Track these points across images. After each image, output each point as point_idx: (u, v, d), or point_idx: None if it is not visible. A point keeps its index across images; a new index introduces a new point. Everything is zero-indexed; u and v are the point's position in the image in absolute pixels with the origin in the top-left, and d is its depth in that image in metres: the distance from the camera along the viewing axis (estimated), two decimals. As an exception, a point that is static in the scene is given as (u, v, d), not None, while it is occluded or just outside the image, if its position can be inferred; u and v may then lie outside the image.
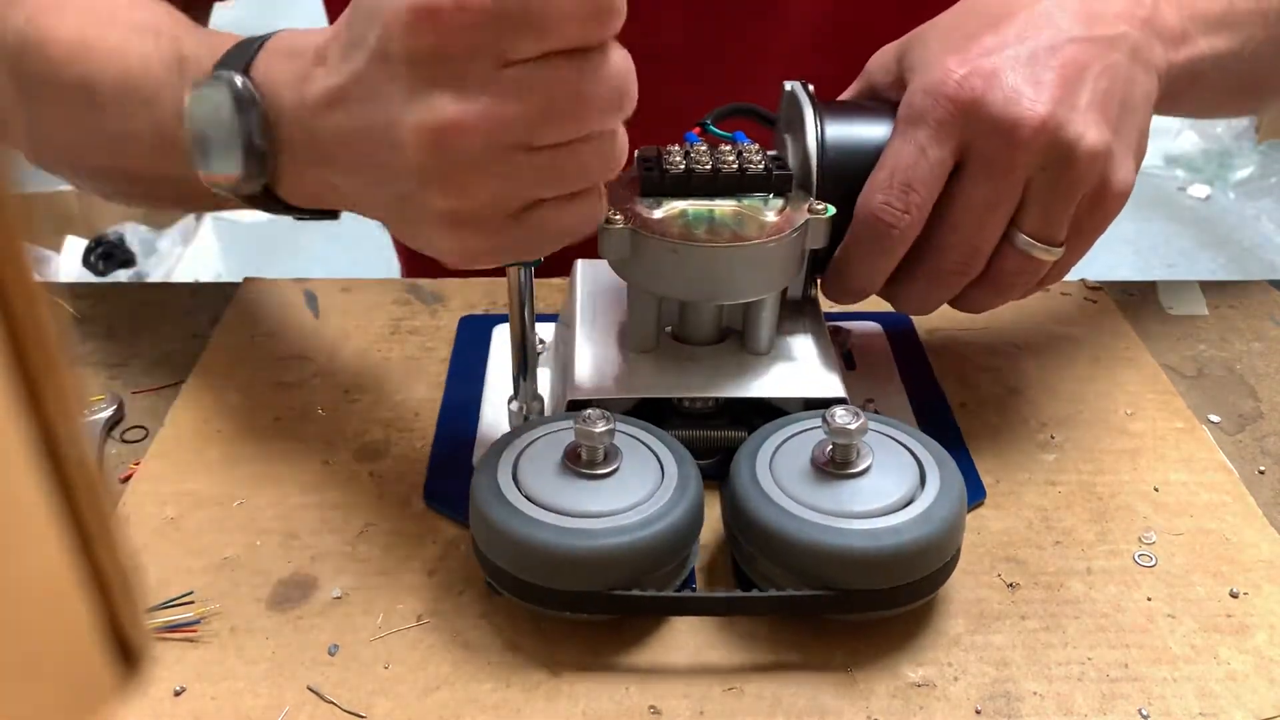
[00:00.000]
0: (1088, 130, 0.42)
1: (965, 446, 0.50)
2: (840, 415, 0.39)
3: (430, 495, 0.47)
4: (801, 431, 0.43)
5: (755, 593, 0.39)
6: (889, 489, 0.40)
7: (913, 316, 0.58)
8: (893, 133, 0.44)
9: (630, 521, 0.38)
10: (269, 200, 0.41)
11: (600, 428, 0.39)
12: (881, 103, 0.48)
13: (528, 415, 0.49)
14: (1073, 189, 0.43)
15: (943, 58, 0.43)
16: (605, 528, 0.38)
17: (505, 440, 0.42)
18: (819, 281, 0.49)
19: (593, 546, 0.37)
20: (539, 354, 0.54)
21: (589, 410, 0.40)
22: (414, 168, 0.35)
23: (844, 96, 0.51)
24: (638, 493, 0.40)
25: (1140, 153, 0.45)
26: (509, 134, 0.34)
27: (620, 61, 0.35)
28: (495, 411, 0.51)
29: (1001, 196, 0.43)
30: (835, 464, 0.40)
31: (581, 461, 0.40)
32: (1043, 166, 0.42)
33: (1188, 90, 0.49)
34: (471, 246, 0.37)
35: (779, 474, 0.41)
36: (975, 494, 0.47)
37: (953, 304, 0.48)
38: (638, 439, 0.42)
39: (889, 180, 0.44)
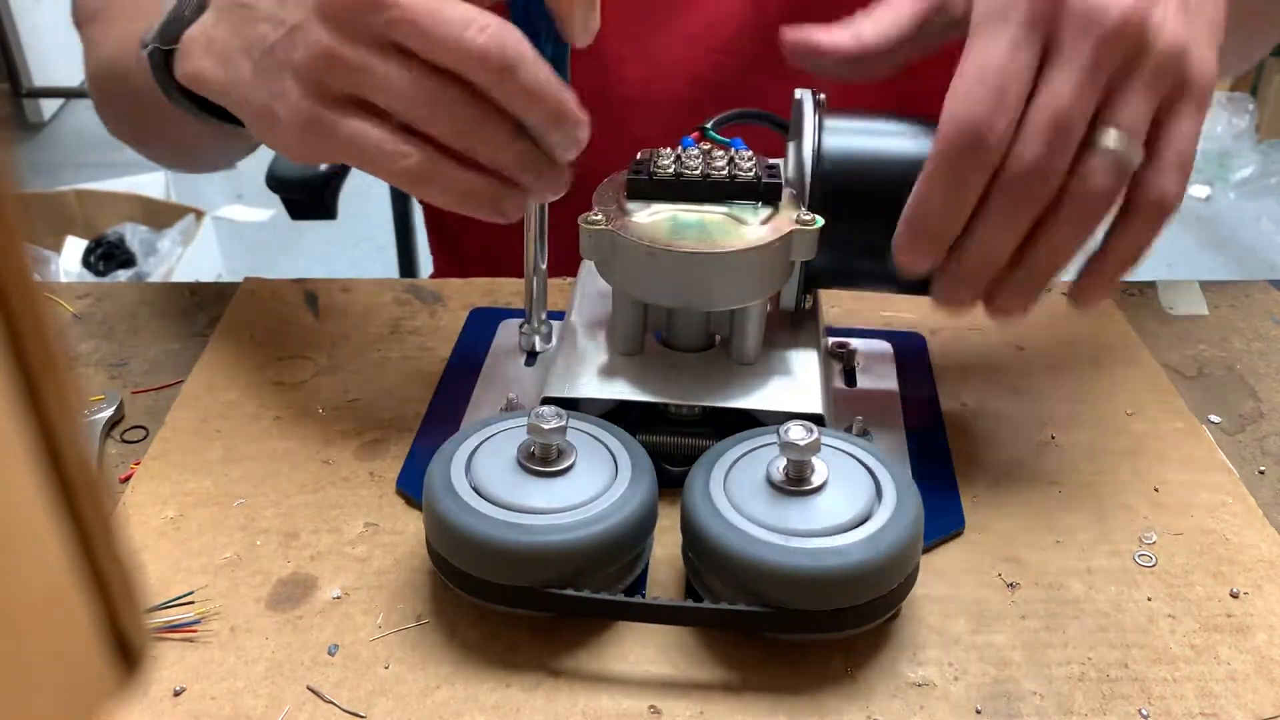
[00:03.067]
0: (1168, 21, 0.40)
1: (953, 474, 0.48)
2: (793, 430, 0.39)
3: (403, 481, 0.47)
4: (762, 446, 0.42)
5: (690, 602, 0.39)
6: (841, 509, 0.39)
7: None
8: (971, 35, 0.41)
9: (572, 520, 0.38)
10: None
11: (551, 424, 0.39)
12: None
13: (535, 342, 0.53)
14: (1154, 82, 0.40)
15: None
16: (545, 524, 0.38)
17: (465, 433, 0.43)
18: (930, 285, 0.44)
19: (529, 542, 0.37)
20: (545, 349, 0.54)
21: (542, 407, 0.40)
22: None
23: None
24: (586, 492, 0.40)
25: (1217, 41, 0.42)
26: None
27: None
28: (482, 406, 0.51)
29: (1084, 93, 0.40)
30: (789, 480, 0.39)
31: (534, 459, 0.40)
32: (1125, 60, 0.40)
33: None
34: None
35: (732, 487, 0.40)
36: (953, 523, 0.45)
37: (1025, 262, 0.42)
38: (599, 440, 0.42)
39: (981, 81, 0.40)
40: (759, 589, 0.37)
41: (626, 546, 0.40)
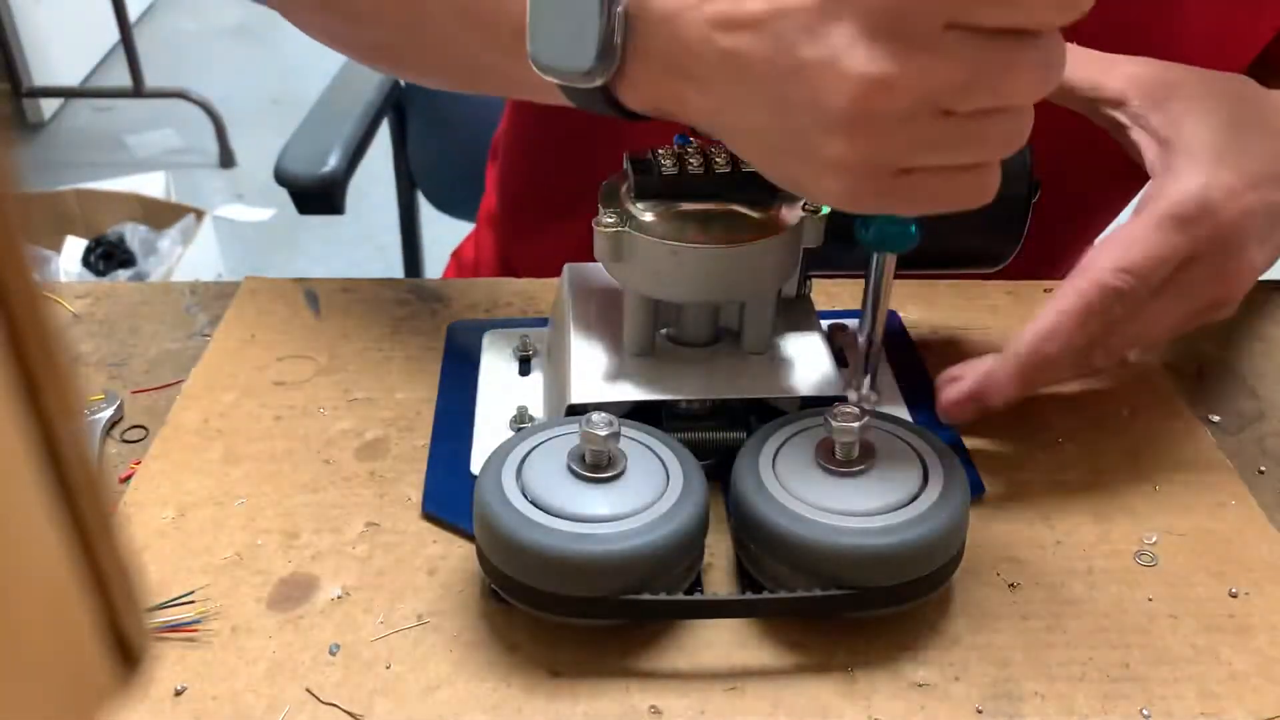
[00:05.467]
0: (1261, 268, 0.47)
1: (961, 440, 0.50)
2: (843, 413, 0.39)
3: (430, 503, 0.46)
4: (802, 430, 0.43)
5: (767, 594, 0.39)
6: (893, 486, 0.40)
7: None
8: (1155, 215, 0.44)
9: (640, 525, 0.38)
10: (602, 100, 0.40)
11: (605, 431, 0.39)
12: None
13: (871, 405, 0.48)
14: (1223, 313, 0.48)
15: (1221, 170, 0.45)
16: (615, 532, 0.38)
17: (508, 446, 0.42)
18: (936, 394, 0.49)
19: (604, 551, 0.37)
20: (536, 357, 0.54)
21: (593, 414, 0.39)
22: (828, 110, 0.35)
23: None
24: (645, 495, 0.39)
25: None
26: (934, 97, 0.34)
27: (1057, 48, 0.35)
28: (489, 419, 0.51)
29: (1180, 324, 0.47)
30: (839, 462, 0.40)
31: (587, 466, 0.40)
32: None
33: None
34: (849, 190, 0.37)
35: (782, 474, 0.41)
36: (974, 489, 0.47)
37: None
38: (640, 441, 0.42)
39: (1142, 262, 0.44)
40: (830, 571, 0.38)
41: (695, 543, 0.40)
